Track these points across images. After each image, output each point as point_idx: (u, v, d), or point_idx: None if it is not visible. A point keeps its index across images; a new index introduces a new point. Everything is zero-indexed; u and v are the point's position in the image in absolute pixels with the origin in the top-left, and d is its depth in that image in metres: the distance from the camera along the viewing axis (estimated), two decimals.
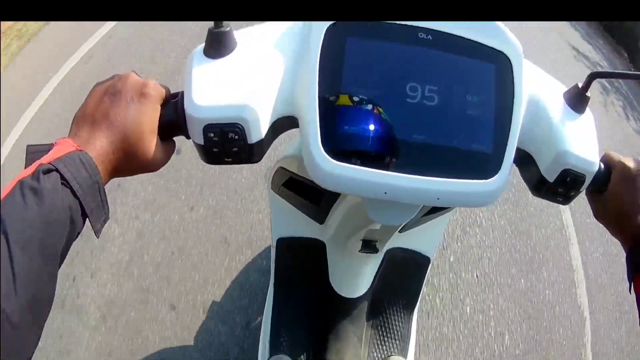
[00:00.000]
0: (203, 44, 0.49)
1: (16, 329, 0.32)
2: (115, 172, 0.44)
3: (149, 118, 0.45)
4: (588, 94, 0.58)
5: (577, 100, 0.58)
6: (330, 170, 0.47)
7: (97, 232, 0.41)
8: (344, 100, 0.49)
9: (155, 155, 0.46)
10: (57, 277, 0.37)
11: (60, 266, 0.37)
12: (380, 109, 0.49)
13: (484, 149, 0.51)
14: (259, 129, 0.48)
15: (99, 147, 0.42)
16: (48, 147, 0.40)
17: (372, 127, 0.48)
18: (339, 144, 0.48)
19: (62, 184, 0.37)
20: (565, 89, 0.60)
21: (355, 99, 0.49)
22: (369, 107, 0.49)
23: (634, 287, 0.50)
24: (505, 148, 0.52)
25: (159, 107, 0.47)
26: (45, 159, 0.37)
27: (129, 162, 0.44)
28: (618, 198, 0.57)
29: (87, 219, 0.40)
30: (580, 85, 0.58)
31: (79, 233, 0.39)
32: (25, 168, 0.38)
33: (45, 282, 0.35)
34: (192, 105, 0.46)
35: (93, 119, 0.43)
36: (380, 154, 0.49)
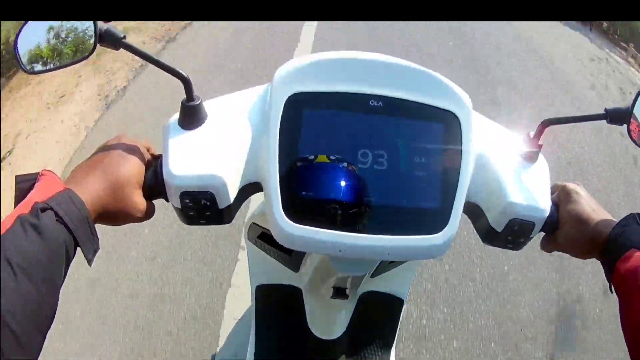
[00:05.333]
0: (177, 114, 0.56)
1: (20, 344, 0.37)
2: (103, 212, 0.50)
3: (135, 173, 0.53)
4: (540, 142, 0.61)
5: (529, 150, 0.61)
6: (290, 231, 0.53)
7: (89, 262, 0.47)
8: (313, 157, 0.54)
9: (138, 207, 0.54)
10: (58, 298, 0.43)
11: (60, 290, 0.43)
12: (337, 164, 0.54)
13: (432, 206, 0.56)
14: (228, 196, 0.54)
15: (90, 187, 0.49)
16: (34, 177, 0.47)
17: (327, 192, 0.54)
18: (297, 207, 0.53)
19: (56, 220, 0.43)
20: (516, 137, 0.64)
21: (311, 157, 0.54)
22: (325, 162, 0.54)
23: (613, 286, 0.53)
24: (453, 204, 0.56)
25: (144, 166, 0.55)
26: (39, 197, 0.43)
27: (115, 206, 0.51)
28: (572, 227, 0.61)
29: (80, 249, 0.46)
30: (531, 134, 0.62)
31: (70, 262, 0.45)
32: (15, 197, 0.46)
33: (48, 304, 0.41)
34: (170, 174, 0.52)
35: (89, 167, 0.52)
36: (335, 215, 0.54)
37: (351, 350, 0.99)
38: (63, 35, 0.62)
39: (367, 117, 0.56)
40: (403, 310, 1.00)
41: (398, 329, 1.03)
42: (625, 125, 0.61)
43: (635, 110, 0.61)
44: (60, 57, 0.62)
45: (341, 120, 0.55)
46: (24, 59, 0.62)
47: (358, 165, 0.54)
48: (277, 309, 0.94)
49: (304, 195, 0.53)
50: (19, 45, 0.62)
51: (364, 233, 0.54)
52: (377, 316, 0.98)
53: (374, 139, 0.55)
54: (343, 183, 0.54)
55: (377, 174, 0.55)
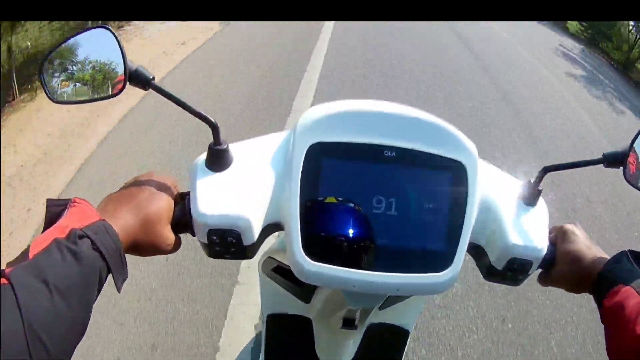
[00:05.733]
0: (204, 155, 0.59)
1: (50, 357, 0.39)
2: (133, 244, 0.53)
3: (165, 210, 0.56)
4: (540, 187, 0.66)
5: (529, 194, 0.66)
6: (309, 268, 0.56)
7: (118, 289, 0.50)
8: (329, 199, 0.58)
9: (167, 241, 0.57)
10: (90, 316, 0.45)
11: (92, 310, 0.45)
12: (351, 207, 0.58)
13: (438, 248, 0.60)
14: (252, 234, 0.57)
15: (122, 220, 0.52)
16: (65, 202, 0.49)
17: (344, 235, 0.58)
18: (315, 247, 0.57)
19: (93, 248, 0.45)
20: (518, 183, 0.69)
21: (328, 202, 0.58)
22: (342, 217, 0.58)
23: (602, 319, 0.57)
24: (457, 245, 0.60)
25: (173, 203, 0.58)
26: (75, 224, 0.46)
27: (145, 239, 0.54)
28: (566, 265, 0.65)
29: (111, 276, 0.48)
30: (532, 180, 0.66)
31: (102, 286, 0.47)
32: (45, 219, 0.48)
33: (80, 322, 0.43)
34: (198, 213, 0.55)
35: (121, 200, 0.55)
36: (351, 255, 0.58)
37: None
38: (92, 71, 0.63)
39: (382, 166, 0.60)
40: (408, 341, 1.02)
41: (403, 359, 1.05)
42: (621, 168, 0.64)
43: (635, 146, 0.64)
44: (89, 92, 0.64)
45: (357, 169, 0.60)
46: (49, 86, 0.64)
47: (373, 211, 0.59)
48: (287, 337, 0.96)
49: (322, 235, 0.57)
50: (45, 74, 0.63)
51: (376, 271, 0.58)
52: (383, 346, 0.99)
53: (387, 186, 0.60)
54: (352, 221, 0.59)
55: (389, 218, 0.59)
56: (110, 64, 0.62)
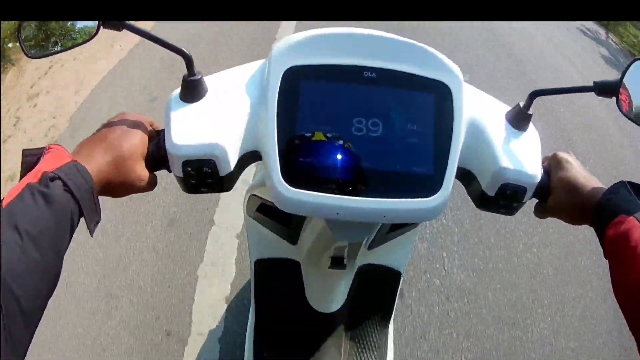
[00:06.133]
0: (179, 89, 0.58)
1: (22, 308, 0.38)
2: (106, 184, 0.53)
3: (139, 146, 0.56)
4: (530, 111, 0.64)
5: (519, 119, 0.64)
6: (289, 195, 0.56)
7: (91, 232, 0.49)
8: (317, 136, 0.57)
9: (141, 178, 0.57)
10: (62, 265, 0.44)
11: (63, 257, 0.45)
12: (333, 141, 0.57)
13: (426, 171, 0.59)
14: (229, 163, 0.57)
15: (95, 160, 0.51)
16: (41, 151, 0.48)
17: (324, 157, 0.56)
18: (295, 173, 0.56)
19: (64, 190, 0.44)
20: (508, 109, 0.67)
21: (308, 135, 0.57)
22: (322, 139, 0.57)
23: (604, 251, 0.55)
24: (446, 169, 0.59)
25: (147, 139, 0.58)
26: (47, 167, 0.45)
27: (119, 178, 0.54)
28: (563, 194, 0.63)
29: (83, 219, 0.47)
30: (521, 104, 0.64)
31: (74, 231, 0.47)
32: (21, 170, 0.47)
33: (52, 270, 0.43)
34: (172, 144, 0.55)
35: (94, 141, 0.54)
36: (332, 181, 0.56)
37: (350, 322, 1.02)
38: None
39: (362, 87, 0.58)
40: (401, 283, 1.03)
41: (396, 301, 1.07)
42: (614, 98, 0.62)
43: (626, 81, 0.62)
44: (64, 40, 0.64)
45: (336, 91, 0.58)
46: (26, 43, 0.64)
47: (353, 133, 0.57)
48: (276, 282, 0.97)
49: (302, 162, 0.56)
50: (22, 32, 0.64)
51: (361, 197, 0.57)
52: (375, 289, 1.01)
53: (368, 107, 0.58)
54: (335, 150, 0.57)
55: (372, 141, 0.57)
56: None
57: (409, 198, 0.58)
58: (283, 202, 0.57)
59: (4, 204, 0.41)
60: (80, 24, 0.63)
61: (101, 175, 0.52)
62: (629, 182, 0.57)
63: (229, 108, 0.58)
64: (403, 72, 0.59)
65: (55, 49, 0.66)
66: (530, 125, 0.66)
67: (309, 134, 0.57)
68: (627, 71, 0.63)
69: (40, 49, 0.65)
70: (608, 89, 0.61)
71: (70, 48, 0.65)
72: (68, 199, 0.45)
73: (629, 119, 0.65)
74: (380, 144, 0.58)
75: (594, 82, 0.62)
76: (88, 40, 0.62)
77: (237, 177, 0.61)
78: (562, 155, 0.66)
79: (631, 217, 0.51)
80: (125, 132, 0.56)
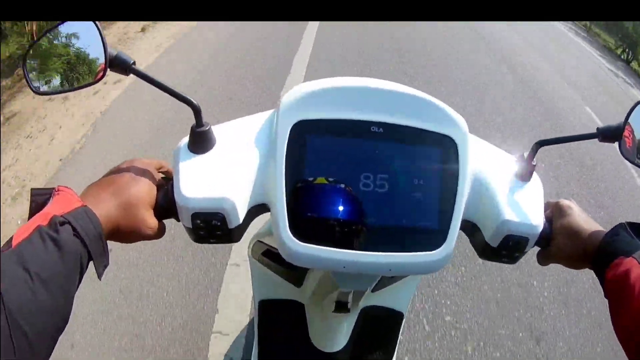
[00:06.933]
0: (186, 138, 0.58)
1: (32, 347, 0.39)
2: (114, 229, 0.53)
3: (146, 194, 0.56)
4: (534, 162, 0.64)
5: (523, 169, 0.64)
6: (297, 249, 0.55)
7: (99, 275, 0.49)
8: (319, 180, 0.56)
9: (149, 226, 0.56)
10: (72, 306, 0.44)
11: (73, 299, 0.45)
12: (340, 195, 0.57)
13: (430, 226, 0.59)
14: (237, 216, 0.56)
15: (103, 206, 0.51)
16: (49, 191, 0.49)
17: (332, 212, 0.56)
18: (303, 227, 0.55)
19: (74, 235, 0.45)
20: (512, 159, 0.67)
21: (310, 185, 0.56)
22: (328, 189, 0.56)
23: (605, 293, 0.55)
24: (450, 223, 0.58)
25: (155, 188, 0.57)
26: (57, 211, 0.45)
27: (127, 224, 0.54)
28: (564, 240, 0.63)
29: (92, 263, 0.48)
30: (525, 155, 0.65)
31: (83, 274, 0.47)
32: (30, 209, 0.48)
33: (62, 312, 0.43)
34: (181, 197, 0.54)
35: (102, 186, 0.54)
36: (339, 235, 0.56)
37: None
38: (73, 60, 0.63)
39: (369, 142, 0.58)
40: (403, 324, 1.02)
41: (398, 343, 1.05)
42: (617, 143, 0.62)
43: (631, 122, 0.62)
44: (70, 80, 0.64)
45: (344, 146, 0.58)
46: (33, 79, 0.63)
47: (361, 189, 0.57)
48: (280, 323, 0.95)
49: (309, 216, 0.56)
50: (27, 66, 0.63)
51: (367, 251, 0.56)
52: (378, 330, 0.99)
53: (375, 163, 0.58)
54: (341, 202, 0.57)
55: (378, 196, 0.57)
56: (91, 51, 0.61)
57: (414, 252, 0.58)
58: (291, 256, 0.56)
59: (13, 243, 0.42)
60: (87, 66, 0.62)
61: (109, 221, 0.52)
62: (629, 223, 0.57)
63: (238, 160, 0.57)
64: (410, 127, 0.59)
65: (60, 89, 0.65)
66: (534, 175, 0.66)
67: (310, 179, 0.57)
68: (631, 113, 0.63)
69: (46, 86, 0.65)
70: (611, 134, 0.62)
71: (76, 89, 0.64)
72: (77, 244, 0.45)
73: (630, 161, 0.64)
74: (387, 199, 0.58)
75: (597, 128, 0.62)
76: (95, 83, 0.62)
77: (246, 229, 0.60)
78: (564, 202, 0.67)
79: (630, 258, 0.52)
80: (133, 178, 0.56)
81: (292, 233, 0.55)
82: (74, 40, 0.63)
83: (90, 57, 0.61)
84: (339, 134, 0.58)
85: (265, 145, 0.58)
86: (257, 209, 0.60)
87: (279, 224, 0.55)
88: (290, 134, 0.56)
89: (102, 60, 0.58)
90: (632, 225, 0.57)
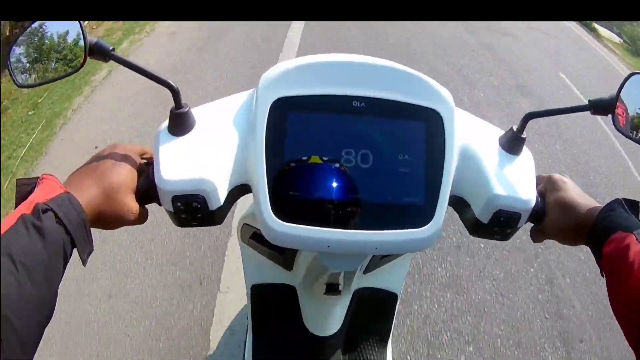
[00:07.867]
0: (166, 121, 0.57)
1: (19, 338, 0.39)
2: (97, 215, 0.53)
3: (128, 179, 0.56)
4: (523, 135, 0.62)
5: (513, 142, 0.62)
6: (280, 229, 0.54)
7: (84, 262, 0.49)
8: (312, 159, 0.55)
9: (131, 211, 0.56)
10: (57, 296, 0.45)
11: (58, 288, 0.45)
12: (323, 172, 0.56)
13: (417, 202, 0.57)
14: (218, 198, 0.56)
15: (86, 192, 0.52)
16: (34, 180, 0.49)
17: (314, 190, 0.55)
18: (285, 206, 0.55)
19: (57, 222, 0.45)
20: (501, 132, 0.65)
21: (293, 164, 0.56)
22: (319, 175, 0.55)
23: (602, 269, 0.54)
24: (438, 199, 0.57)
25: (136, 172, 0.57)
26: (40, 199, 0.45)
27: (110, 210, 0.54)
28: (558, 215, 0.62)
29: (76, 250, 0.48)
30: (515, 128, 0.62)
31: (67, 262, 0.47)
32: (16, 199, 0.48)
33: (47, 301, 0.43)
34: (161, 180, 0.54)
35: (84, 172, 0.55)
36: (322, 213, 0.55)
37: (347, 346, 1.01)
38: (54, 51, 0.63)
39: (351, 117, 0.57)
40: (397, 305, 1.02)
41: (393, 324, 1.05)
42: (610, 116, 0.60)
43: (623, 96, 0.61)
44: (52, 71, 0.64)
45: (325, 122, 0.57)
46: (17, 73, 0.64)
47: (343, 164, 0.56)
48: (272, 307, 0.96)
49: (292, 195, 0.55)
50: (11, 60, 0.64)
51: (352, 229, 0.55)
52: (372, 312, 1.00)
53: (357, 138, 0.57)
54: (324, 179, 0.55)
55: (362, 172, 0.56)
56: (71, 41, 0.62)
57: (401, 229, 0.56)
58: (273, 236, 0.56)
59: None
60: (67, 55, 0.63)
61: (92, 207, 0.52)
62: (624, 199, 0.56)
63: (217, 141, 0.57)
64: (393, 101, 0.58)
65: (43, 80, 0.65)
66: (525, 148, 0.64)
67: (304, 157, 0.56)
68: (623, 86, 0.61)
69: (29, 79, 0.65)
70: (603, 107, 0.60)
71: (58, 79, 0.64)
72: (60, 231, 0.45)
73: (625, 135, 0.63)
74: (370, 175, 0.56)
75: (589, 101, 0.60)
76: (76, 71, 0.62)
77: (228, 211, 0.60)
78: (557, 177, 0.65)
79: (628, 234, 0.51)
80: (115, 164, 0.56)
81: (274, 213, 0.54)
82: (52, 31, 0.63)
83: (70, 46, 0.62)
84: (319, 109, 0.57)
85: (245, 124, 0.58)
86: (239, 189, 0.59)
87: (261, 204, 0.54)
88: (270, 111, 0.55)
89: (82, 48, 0.59)
90: (628, 202, 0.56)
